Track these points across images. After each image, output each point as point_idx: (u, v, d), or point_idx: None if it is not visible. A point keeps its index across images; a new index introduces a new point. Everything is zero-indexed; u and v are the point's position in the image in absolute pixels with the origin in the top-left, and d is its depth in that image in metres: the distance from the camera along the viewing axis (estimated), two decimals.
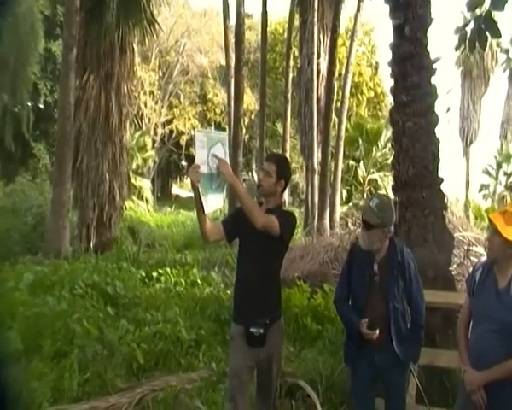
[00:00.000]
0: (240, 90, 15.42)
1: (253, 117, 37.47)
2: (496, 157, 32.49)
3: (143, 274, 9.82)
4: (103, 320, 6.53)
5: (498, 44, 33.58)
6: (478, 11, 6.88)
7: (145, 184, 28.62)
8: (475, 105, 36.82)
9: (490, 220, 3.48)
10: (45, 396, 4.76)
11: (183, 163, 42.33)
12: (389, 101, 26.49)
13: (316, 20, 18.50)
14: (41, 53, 25.62)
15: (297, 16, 20.85)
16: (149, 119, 36.72)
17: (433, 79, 5.92)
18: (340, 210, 18.78)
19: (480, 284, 3.49)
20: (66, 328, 5.99)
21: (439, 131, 5.92)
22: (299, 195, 33.38)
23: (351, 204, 22.49)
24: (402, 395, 3.93)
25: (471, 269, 3.87)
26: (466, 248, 9.52)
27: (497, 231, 3.30)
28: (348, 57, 19.55)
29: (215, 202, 3.84)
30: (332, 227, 15.84)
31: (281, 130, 25.54)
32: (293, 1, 20.73)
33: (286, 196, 22.76)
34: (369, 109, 36.40)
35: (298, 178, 32.84)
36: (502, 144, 33.85)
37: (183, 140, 38.38)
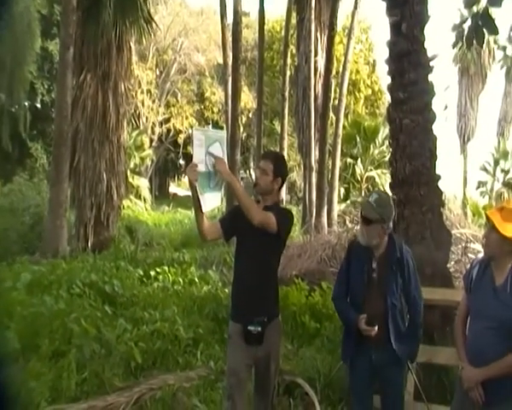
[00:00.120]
0: (237, 89, 15.40)
1: (250, 115, 37.48)
2: (493, 154, 32.56)
3: (141, 273, 9.81)
4: (101, 319, 6.52)
5: (496, 41, 33.69)
6: (475, 8, 6.88)
7: (143, 183, 28.63)
8: (473, 102, 36.87)
9: (487, 217, 3.48)
10: (43, 396, 4.75)
11: (181, 162, 42.33)
12: (386, 98, 26.48)
13: (313, 17, 18.51)
14: (38, 52, 25.60)
15: (294, 14, 20.84)
16: (147, 118, 36.71)
17: (431, 77, 5.92)
18: (337, 208, 18.81)
19: (477, 281, 3.49)
20: (64, 327, 5.97)
21: (436, 129, 5.92)
22: (297, 193, 33.38)
23: (348, 202, 22.48)
24: (399, 393, 3.93)
25: (468, 266, 3.87)
26: (464, 245, 9.53)
27: (494, 228, 3.30)
28: (345, 55, 19.57)
29: (213, 201, 3.83)
30: (330, 225, 15.84)
31: (278, 128, 25.55)
32: None
33: (283, 194, 22.77)
34: (367, 107, 36.42)
35: (295, 176, 32.85)
36: (499, 141, 33.92)
37: (181, 139, 38.38)
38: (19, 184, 20.38)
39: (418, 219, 5.59)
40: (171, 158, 42.67)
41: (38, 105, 29.12)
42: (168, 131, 38.99)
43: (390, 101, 6.16)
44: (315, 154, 17.72)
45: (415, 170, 5.64)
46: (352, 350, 3.84)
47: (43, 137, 29.06)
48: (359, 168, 24.58)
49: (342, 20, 28.99)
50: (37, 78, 27.59)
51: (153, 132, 37.39)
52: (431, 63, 5.92)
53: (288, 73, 21.01)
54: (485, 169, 32.67)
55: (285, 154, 20.58)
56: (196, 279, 9.67)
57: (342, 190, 23.89)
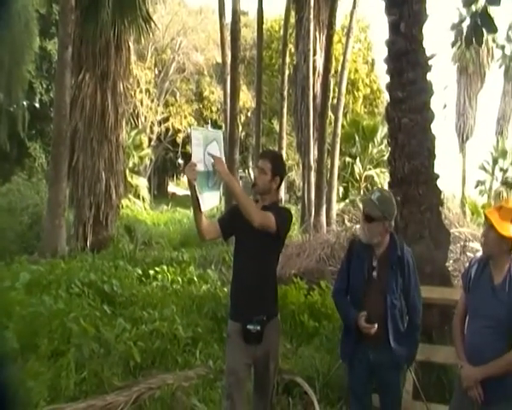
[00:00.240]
0: (236, 88, 15.40)
1: (249, 114, 37.48)
2: (492, 153, 32.56)
3: (140, 272, 9.80)
4: (100, 319, 6.52)
5: (494, 40, 33.70)
6: (474, 7, 6.88)
7: (141, 183, 28.62)
8: (471, 101, 36.88)
9: (485, 216, 3.48)
10: (42, 395, 4.75)
11: (180, 161, 42.34)
12: (385, 97, 26.49)
13: (312, 17, 18.50)
14: (36, 52, 25.53)
15: (293, 13, 20.85)
16: (145, 117, 36.70)
17: (429, 76, 5.93)
18: (336, 207, 18.81)
19: (475, 280, 3.49)
20: (63, 327, 5.97)
21: (435, 128, 5.93)
22: (296, 192, 33.41)
23: (347, 201, 22.48)
24: (397, 394, 3.93)
25: (467, 265, 3.88)
26: (462, 243, 9.53)
27: (493, 227, 3.31)
28: (344, 54, 19.59)
29: (211, 200, 3.83)
30: (328, 224, 15.85)
31: (277, 127, 25.56)
32: None
33: (282, 193, 22.80)
34: (366, 106, 36.41)
35: (294, 175, 32.88)
36: (498, 140, 33.91)
37: (180, 138, 38.36)
38: (17, 183, 20.35)
39: (417, 218, 5.60)
40: (170, 157, 42.66)
41: (37, 104, 29.08)
42: (167, 130, 38.99)
43: (389, 100, 6.17)
44: (314, 153, 17.73)
45: (413, 169, 5.65)
46: (351, 349, 3.84)
47: (41, 136, 29.03)
48: (358, 167, 24.59)
49: (341, 19, 29.00)
50: (35, 77, 27.54)
51: (151, 132, 37.37)
52: (429, 62, 5.93)
53: (287, 72, 21.01)
54: (483, 168, 32.67)
55: (284, 153, 20.59)
56: (195, 278, 9.66)
57: (341, 190, 23.90)
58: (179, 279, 9.50)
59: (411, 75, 5.76)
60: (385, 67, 6.11)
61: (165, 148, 40.48)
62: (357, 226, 12.10)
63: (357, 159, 24.77)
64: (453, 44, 7.49)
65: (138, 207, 26.45)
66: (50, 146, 14.83)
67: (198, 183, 3.61)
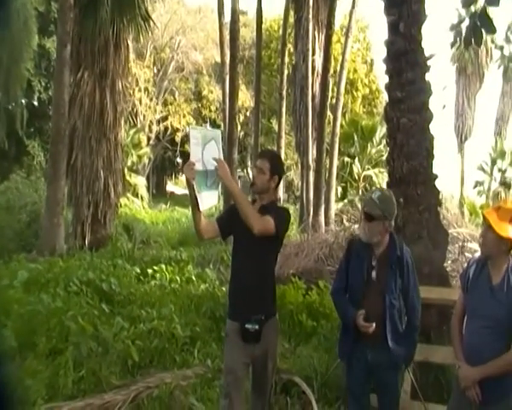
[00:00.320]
0: (235, 87, 15.40)
1: (248, 114, 37.46)
2: (490, 154, 32.59)
3: (138, 271, 9.78)
4: (98, 317, 6.51)
5: (493, 41, 33.72)
6: (473, 8, 6.89)
7: (140, 182, 28.60)
8: (470, 102, 36.91)
9: (484, 216, 3.49)
10: (40, 394, 4.75)
11: (178, 160, 42.32)
12: (384, 97, 26.52)
13: (311, 16, 18.50)
14: (35, 50, 25.50)
15: (292, 13, 20.85)
16: (144, 116, 36.66)
17: (428, 76, 5.94)
18: (335, 207, 18.81)
19: (473, 280, 3.49)
20: (61, 325, 5.96)
21: (433, 128, 5.94)
22: (294, 192, 33.43)
23: (346, 201, 22.51)
24: (395, 395, 3.93)
25: (465, 265, 3.88)
26: (460, 244, 9.54)
27: (491, 227, 3.31)
28: (343, 54, 19.59)
29: (210, 199, 3.83)
30: (327, 224, 15.85)
31: (276, 127, 25.56)
32: None
33: (281, 192, 22.80)
34: (364, 106, 36.43)
35: (293, 174, 32.89)
36: (496, 141, 33.95)
37: (178, 137, 38.33)
38: (15, 181, 20.30)
39: (415, 219, 5.61)
40: (169, 156, 42.64)
41: (35, 103, 29.06)
42: (165, 129, 38.96)
43: (387, 100, 6.18)
44: (312, 152, 17.73)
45: (412, 169, 5.66)
46: (349, 347, 3.84)
47: (40, 134, 29.00)
48: (357, 167, 24.62)
49: (340, 19, 29.04)
50: (34, 75, 27.52)
51: (150, 130, 37.33)
52: (428, 62, 5.93)
53: (286, 71, 21.00)
54: (482, 168, 32.70)
55: (282, 152, 20.60)
56: (193, 278, 9.65)
57: (339, 189, 23.94)
58: (177, 278, 9.49)
59: (410, 75, 5.77)
60: (384, 67, 6.12)
61: (164, 147, 40.45)
62: (356, 226, 12.12)
63: (356, 159, 24.80)
64: (452, 45, 7.49)
65: (137, 205, 26.44)
66: (49, 144, 14.79)
67: (196, 182, 3.61)
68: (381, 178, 22.92)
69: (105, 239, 14.43)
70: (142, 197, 27.86)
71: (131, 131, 28.95)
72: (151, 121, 37.44)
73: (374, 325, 3.61)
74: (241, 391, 3.86)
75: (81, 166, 14.23)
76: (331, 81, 17.90)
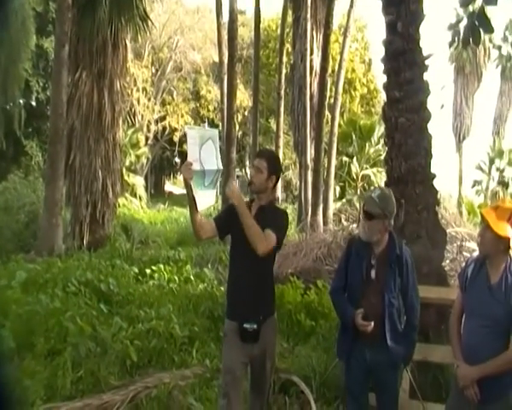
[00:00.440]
0: (233, 87, 15.39)
1: (246, 113, 37.45)
2: (488, 153, 32.60)
3: (137, 271, 9.78)
4: (96, 318, 6.51)
5: (491, 40, 33.76)
6: (471, 7, 6.90)
7: (138, 181, 28.57)
8: (468, 101, 36.95)
9: (482, 216, 3.49)
10: (38, 394, 4.74)
11: (177, 160, 42.29)
12: (382, 97, 26.53)
13: (309, 16, 18.49)
14: (33, 50, 25.47)
15: (290, 12, 20.85)
16: (142, 116, 36.62)
17: (426, 76, 5.94)
18: (333, 206, 18.81)
19: (472, 280, 3.50)
20: (60, 326, 5.96)
21: (432, 127, 5.94)
22: (293, 191, 33.41)
23: (344, 200, 22.51)
24: (394, 394, 3.93)
25: (464, 264, 3.89)
26: (459, 243, 9.55)
27: (489, 227, 3.31)
28: (341, 53, 19.58)
29: (208, 199, 3.83)
30: (325, 223, 15.84)
31: (274, 126, 25.53)
32: None
33: (279, 192, 22.77)
34: (362, 105, 36.45)
35: (291, 174, 32.88)
36: (494, 140, 33.98)
37: (176, 137, 38.27)
38: (14, 182, 20.29)
39: (413, 218, 5.61)
40: (167, 156, 42.62)
41: (33, 103, 29.05)
42: (164, 129, 38.91)
43: (386, 99, 6.18)
44: (310, 152, 17.72)
45: (410, 169, 5.66)
46: (348, 346, 3.84)
47: (38, 134, 28.98)
48: (355, 167, 24.61)
49: (338, 18, 29.07)
50: (32, 75, 27.51)
51: (148, 130, 37.31)
52: (426, 62, 5.94)
53: (284, 71, 20.98)
54: (480, 168, 32.72)
55: (281, 152, 20.61)
56: (192, 277, 9.65)
57: (338, 189, 23.92)
58: (176, 278, 9.49)
59: (408, 75, 5.77)
60: (382, 66, 6.12)
61: (162, 146, 40.42)
62: (354, 226, 12.12)
63: (354, 158, 24.80)
64: (450, 45, 7.49)
65: (135, 205, 26.41)
66: (47, 144, 14.79)
67: (194, 182, 3.61)
68: (380, 177, 22.91)
69: (103, 239, 14.43)
70: (140, 197, 27.83)
71: (129, 131, 28.91)
72: (149, 121, 37.41)
73: (372, 323, 3.61)
74: (239, 391, 3.86)
75: (79, 167, 14.23)
76: (329, 81, 17.91)
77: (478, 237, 3.60)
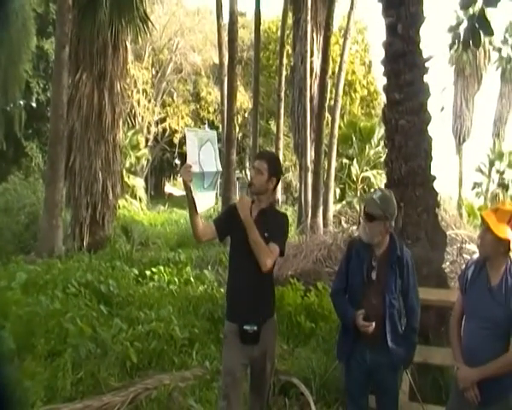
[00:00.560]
0: (233, 89, 15.39)
1: (246, 115, 37.46)
2: (488, 155, 32.59)
3: (137, 273, 9.78)
4: (97, 319, 6.51)
5: (491, 43, 33.77)
6: (471, 10, 6.91)
7: (138, 183, 28.55)
8: (468, 103, 36.95)
9: (482, 218, 3.49)
10: (38, 395, 4.75)
11: (177, 162, 42.29)
12: (382, 99, 26.53)
13: (309, 18, 18.50)
14: (33, 51, 25.50)
15: (290, 14, 20.86)
16: (142, 117, 36.63)
17: (427, 78, 5.95)
18: (333, 208, 18.82)
19: (472, 282, 3.50)
20: (60, 327, 5.96)
21: (432, 130, 5.95)
22: (293, 193, 33.39)
23: (344, 202, 22.52)
24: (394, 397, 3.92)
25: (464, 266, 3.89)
26: (459, 245, 9.57)
27: (489, 229, 3.32)
28: (341, 55, 19.59)
29: (207, 201, 3.84)
30: (325, 225, 15.85)
31: (274, 128, 25.54)
32: None
33: (279, 194, 22.77)
34: (363, 107, 36.47)
35: (291, 176, 32.88)
36: (494, 142, 34.00)
37: (177, 138, 38.29)
38: (14, 183, 20.30)
39: (413, 220, 5.61)
40: (167, 158, 42.62)
41: (34, 104, 29.06)
42: (164, 130, 38.92)
43: (386, 101, 6.18)
44: (310, 154, 17.72)
45: (410, 171, 5.67)
46: (348, 347, 3.84)
47: (38, 136, 29.00)
48: (355, 169, 24.59)
49: (338, 20, 29.08)
50: (32, 77, 27.52)
51: (148, 132, 37.31)
52: (426, 64, 5.94)
53: (284, 73, 21.00)
54: (480, 170, 32.71)
55: (281, 154, 20.60)
56: (192, 279, 9.65)
57: (338, 191, 23.90)
58: (176, 280, 9.49)
59: (408, 77, 5.78)
60: (382, 68, 6.12)
61: (162, 148, 40.43)
62: (354, 228, 12.14)
63: (354, 160, 24.77)
64: (451, 47, 7.49)
65: (135, 207, 26.40)
66: (47, 146, 14.79)
67: (193, 184, 3.62)
68: (380, 179, 22.89)
69: (103, 241, 14.43)
70: (140, 199, 27.82)
71: (130, 133, 28.91)
72: (149, 123, 37.42)
73: (373, 324, 3.62)
74: (239, 392, 3.86)
75: (79, 168, 14.24)
76: (329, 83, 17.92)
77: (478, 239, 3.60)
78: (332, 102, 19.42)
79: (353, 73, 34.54)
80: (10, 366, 3.95)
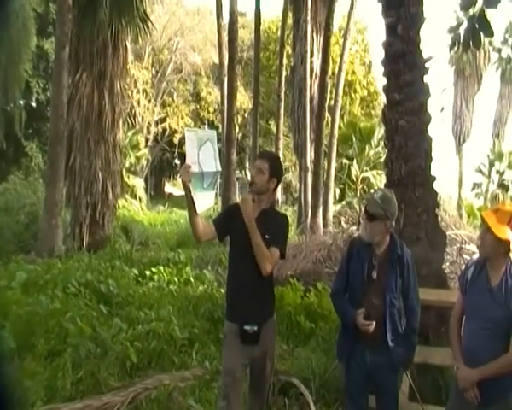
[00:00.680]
0: (233, 89, 15.39)
1: (246, 115, 37.45)
2: (488, 156, 32.56)
3: (136, 273, 9.79)
4: (96, 319, 6.51)
5: (491, 43, 33.75)
6: (471, 10, 6.90)
7: (138, 183, 28.54)
8: (468, 104, 36.93)
9: (482, 218, 3.50)
10: (38, 395, 4.75)
11: (177, 161, 42.27)
12: (382, 99, 26.52)
13: (309, 18, 18.49)
14: (33, 51, 25.52)
15: (290, 14, 20.86)
16: (142, 117, 36.63)
17: (427, 78, 5.95)
18: (333, 208, 18.81)
19: (472, 282, 3.50)
20: (60, 327, 5.97)
21: (432, 130, 5.95)
22: (293, 193, 33.39)
23: (344, 202, 22.50)
24: (394, 397, 3.92)
25: (464, 267, 3.89)
26: (459, 246, 9.57)
27: (490, 230, 3.32)
28: (341, 56, 19.59)
29: (206, 201, 3.84)
30: (325, 226, 15.84)
31: (274, 128, 25.54)
32: None
33: (279, 194, 22.77)
34: (363, 108, 36.46)
35: (291, 176, 32.87)
36: (494, 143, 33.96)
37: (177, 138, 38.28)
38: (14, 183, 20.31)
39: (413, 220, 5.62)
40: (167, 158, 42.61)
41: (34, 104, 29.08)
42: (164, 130, 38.91)
43: (386, 102, 6.18)
44: (310, 154, 17.71)
45: (410, 171, 5.67)
46: (349, 347, 3.84)
47: (38, 136, 29.01)
48: (355, 169, 24.58)
49: (338, 20, 29.07)
50: (32, 76, 27.53)
51: (148, 132, 37.31)
52: (426, 65, 5.94)
53: (284, 73, 20.99)
54: (480, 170, 32.67)
55: (280, 154, 20.59)
56: (192, 279, 9.66)
57: (337, 191, 23.88)
58: (176, 280, 9.50)
59: (408, 77, 5.78)
60: (382, 68, 6.13)
61: (162, 148, 40.42)
62: (354, 228, 12.14)
63: (354, 161, 24.75)
64: (451, 48, 7.48)
65: (135, 207, 26.39)
66: (47, 145, 14.79)
67: (193, 184, 3.62)
68: (379, 180, 22.88)
69: (103, 241, 14.43)
70: (140, 199, 27.80)
71: (130, 133, 28.90)
72: (149, 123, 37.41)
73: (374, 323, 3.62)
74: (239, 392, 3.86)
75: (79, 168, 14.23)
76: (329, 83, 17.91)
77: (478, 239, 3.61)
78: (332, 103, 19.42)
79: (353, 73, 34.55)
80: (10, 366, 3.95)
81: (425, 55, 5.95)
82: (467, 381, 3.37)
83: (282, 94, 21.02)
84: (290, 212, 21.50)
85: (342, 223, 16.17)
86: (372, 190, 16.18)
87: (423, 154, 5.75)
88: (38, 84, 28.27)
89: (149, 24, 15.60)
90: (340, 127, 22.25)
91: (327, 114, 17.94)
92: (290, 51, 22.11)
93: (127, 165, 26.89)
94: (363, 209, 4.03)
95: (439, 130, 37.53)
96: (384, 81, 6.15)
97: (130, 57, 21.93)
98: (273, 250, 3.73)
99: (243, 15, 33.85)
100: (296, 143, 20.15)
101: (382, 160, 14.34)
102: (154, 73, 38.57)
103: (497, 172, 31.80)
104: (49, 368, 5.26)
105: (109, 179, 14.76)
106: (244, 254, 3.77)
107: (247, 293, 3.77)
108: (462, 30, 6.98)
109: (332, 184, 19.01)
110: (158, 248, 15.66)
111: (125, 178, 24.76)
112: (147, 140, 36.38)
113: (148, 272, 9.74)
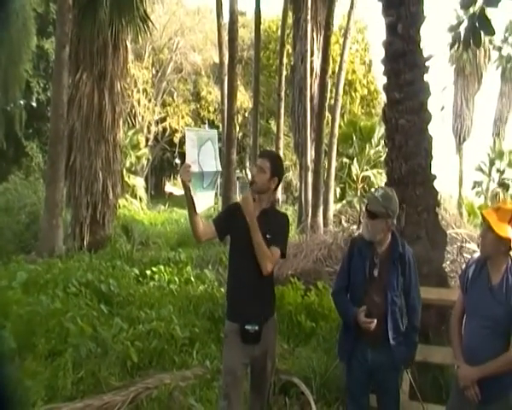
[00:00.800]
0: (233, 88, 15.39)
1: (246, 115, 37.45)
2: (489, 154, 32.55)
3: (137, 272, 9.79)
4: (97, 319, 6.52)
5: (491, 42, 33.72)
6: (471, 9, 6.90)
7: (138, 183, 28.55)
8: (468, 102, 36.91)
9: (483, 217, 3.50)
10: (39, 395, 4.75)
11: (177, 161, 42.27)
12: (382, 98, 26.53)
13: (309, 17, 18.50)
14: (33, 51, 25.52)
15: (290, 14, 20.86)
16: (143, 117, 36.62)
17: (427, 77, 5.95)
18: (333, 208, 18.82)
19: (473, 281, 3.50)
20: (60, 326, 5.97)
21: (432, 129, 5.95)
22: (293, 192, 33.40)
23: (344, 202, 22.50)
24: (395, 396, 3.92)
25: (464, 265, 3.89)
26: (459, 244, 9.55)
27: (490, 228, 3.32)
28: (341, 55, 19.60)
29: (206, 201, 3.83)
30: (325, 225, 15.85)
31: (274, 128, 25.54)
32: None
33: (279, 193, 22.76)
34: (363, 107, 36.45)
35: (291, 175, 32.86)
36: (495, 141, 33.94)
37: (177, 138, 38.27)
38: (14, 182, 20.32)
39: (414, 219, 5.61)
40: (167, 157, 42.60)
41: (34, 104, 29.08)
42: (164, 130, 38.91)
43: (386, 101, 6.18)
44: (311, 154, 17.72)
45: (410, 170, 5.67)
46: (350, 346, 3.84)
47: (38, 135, 29.01)
48: (355, 168, 24.57)
49: (338, 20, 29.07)
50: (32, 76, 27.54)
51: (149, 131, 37.31)
52: (427, 63, 5.94)
53: (284, 72, 20.99)
54: (480, 169, 32.67)
55: (281, 153, 20.58)
56: (192, 279, 9.66)
57: (338, 190, 23.88)
58: (176, 279, 9.50)
59: (408, 76, 5.78)
60: (382, 68, 6.12)
61: (163, 148, 40.41)
62: (355, 227, 12.13)
63: (355, 160, 24.74)
64: (451, 47, 7.48)
65: (135, 207, 26.39)
66: (47, 145, 14.79)
67: (193, 184, 3.61)
68: (380, 178, 22.86)
69: (104, 240, 14.43)
70: (140, 198, 27.81)
71: (130, 133, 28.91)
72: (149, 122, 37.41)
73: (375, 321, 3.62)
74: (240, 392, 3.86)
75: (80, 168, 14.23)
76: (329, 82, 17.90)
77: (479, 238, 3.61)
78: (332, 102, 19.42)
79: (353, 72, 34.53)
80: (11, 366, 3.95)
81: (425, 54, 5.95)
82: (467, 379, 3.37)
83: (283, 93, 21.03)
84: (291, 211, 21.51)
85: (343, 222, 16.17)
86: (373, 189, 16.17)
87: (423, 152, 5.75)
88: (39, 83, 28.27)
89: (149, 23, 15.59)
90: (340, 126, 22.26)
91: (327, 113, 17.95)
92: (290, 50, 22.11)
93: (127, 164, 26.90)
94: (363, 208, 4.03)
95: (440, 128, 37.57)
96: (384, 80, 6.14)
97: (131, 57, 21.93)
98: (274, 250, 3.74)
99: (243, 15, 33.83)
100: (296, 142, 20.16)
101: (383, 159, 14.35)
102: (154, 72, 38.57)
103: (498, 170, 31.79)
104: (50, 368, 5.27)
105: (110, 179, 14.76)
106: (245, 253, 3.77)
107: (247, 292, 3.77)
108: (462, 28, 6.98)
109: (332, 183, 19.01)
110: (158, 247, 15.66)
111: (126, 178, 24.77)
112: (147, 140, 36.39)
113: (148, 272, 9.74)
